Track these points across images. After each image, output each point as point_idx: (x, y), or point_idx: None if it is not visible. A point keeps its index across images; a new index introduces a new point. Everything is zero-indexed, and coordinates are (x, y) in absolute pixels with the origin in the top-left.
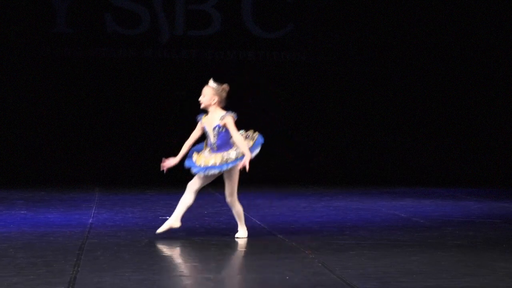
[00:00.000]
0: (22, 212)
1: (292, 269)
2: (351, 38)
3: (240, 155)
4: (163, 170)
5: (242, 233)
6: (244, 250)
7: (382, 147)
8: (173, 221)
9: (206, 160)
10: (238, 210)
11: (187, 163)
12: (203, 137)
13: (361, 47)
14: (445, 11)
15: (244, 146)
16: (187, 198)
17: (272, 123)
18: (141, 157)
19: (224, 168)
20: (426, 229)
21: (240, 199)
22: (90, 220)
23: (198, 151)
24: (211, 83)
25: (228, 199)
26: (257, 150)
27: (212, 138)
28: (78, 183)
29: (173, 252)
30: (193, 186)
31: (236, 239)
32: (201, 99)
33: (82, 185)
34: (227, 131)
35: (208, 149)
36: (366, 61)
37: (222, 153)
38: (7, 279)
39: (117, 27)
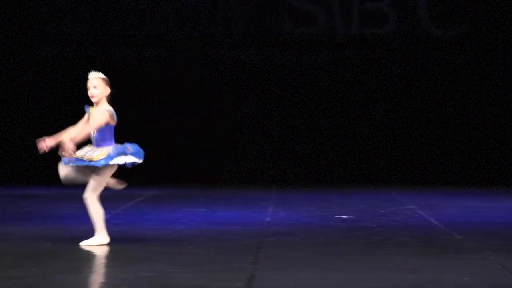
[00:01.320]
0: (202, 209)
1: (470, 271)
2: None
3: (101, 156)
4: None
5: (92, 240)
6: (421, 250)
7: None
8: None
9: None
10: (95, 210)
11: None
12: None
13: None
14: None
15: (80, 136)
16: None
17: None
18: (317, 156)
19: (81, 164)
20: None
21: (415, 199)
22: (268, 219)
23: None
24: (99, 74)
25: (85, 194)
26: (120, 159)
27: (92, 131)
28: (255, 182)
29: (348, 251)
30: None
31: (82, 245)
32: (93, 92)
33: (259, 183)
34: (107, 126)
35: (89, 144)
36: None
37: (96, 149)
38: (187, 275)
39: (294, 27)
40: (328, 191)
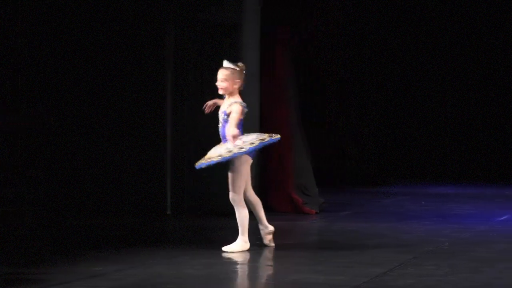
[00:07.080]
0: None
1: None
2: None
3: (236, 149)
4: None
5: (233, 246)
6: None
7: None
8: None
9: (210, 154)
10: (241, 214)
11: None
12: None
13: None
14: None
15: (230, 138)
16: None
17: None
18: None
19: (221, 160)
20: None
21: None
22: None
23: None
24: (230, 64)
25: (229, 195)
26: (257, 147)
27: (220, 124)
28: None
29: None
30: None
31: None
32: (220, 84)
33: None
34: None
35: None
36: None
37: (224, 145)
38: None
39: None
40: None
